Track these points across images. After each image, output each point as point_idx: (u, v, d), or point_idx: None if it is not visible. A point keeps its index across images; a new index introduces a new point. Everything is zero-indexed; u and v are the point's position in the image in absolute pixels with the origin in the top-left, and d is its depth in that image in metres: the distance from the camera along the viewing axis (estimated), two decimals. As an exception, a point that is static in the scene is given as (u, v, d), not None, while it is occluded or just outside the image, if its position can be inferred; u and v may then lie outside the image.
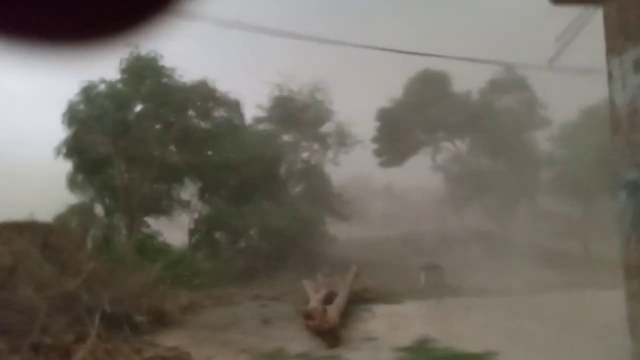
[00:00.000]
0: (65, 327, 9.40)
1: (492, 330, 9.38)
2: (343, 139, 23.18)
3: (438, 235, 28.52)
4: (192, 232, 21.67)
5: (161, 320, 11.50)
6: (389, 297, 13.10)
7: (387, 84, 26.15)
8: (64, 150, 20.64)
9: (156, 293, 13.02)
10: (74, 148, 20.65)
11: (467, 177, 27.05)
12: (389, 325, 10.61)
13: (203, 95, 21.61)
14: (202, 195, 22.72)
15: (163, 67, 20.94)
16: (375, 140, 27.17)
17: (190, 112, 22.12)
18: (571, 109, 26.33)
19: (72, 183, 21.17)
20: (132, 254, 16.77)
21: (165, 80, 21.11)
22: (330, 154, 23.25)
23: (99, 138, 20.56)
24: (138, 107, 21.47)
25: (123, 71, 20.81)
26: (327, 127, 23.23)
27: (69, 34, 0.72)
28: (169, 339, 10.07)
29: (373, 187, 35.58)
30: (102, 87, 20.63)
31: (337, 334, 9.42)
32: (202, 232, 21.28)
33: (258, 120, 23.14)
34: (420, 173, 29.54)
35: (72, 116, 20.50)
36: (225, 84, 21.43)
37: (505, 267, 20.38)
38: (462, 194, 28.04)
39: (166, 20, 0.73)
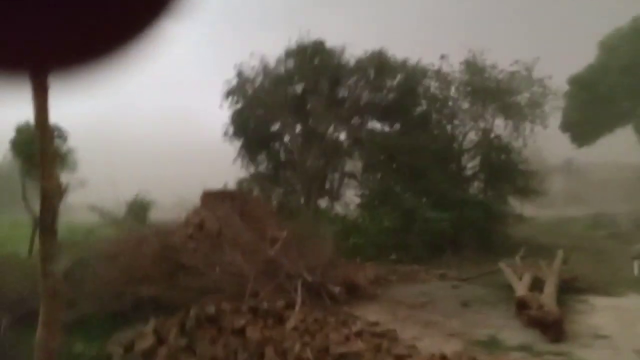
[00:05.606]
0: (272, 294, 9.71)
1: None
2: (533, 110, 20.62)
3: (636, 217, 24.74)
4: (361, 206, 21.56)
5: (353, 292, 11.39)
6: (605, 289, 11.32)
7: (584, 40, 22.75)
8: (231, 129, 21.90)
9: (345, 264, 13.03)
10: (242, 125, 21.81)
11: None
12: (620, 321, 9.04)
13: (376, 66, 21.10)
14: (370, 170, 22.49)
15: (329, 49, 21.05)
16: (565, 112, 23.98)
17: (362, 85, 21.81)
18: None
19: (245, 157, 22.38)
20: (313, 222, 17.20)
21: (334, 60, 21.18)
22: (513, 126, 20.92)
23: (271, 114, 21.39)
24: (305, 84, 21.79)
25: (290, 52, 21.39)
26: (518, 98, 20.77)
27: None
28: (368, 313, 9.83)
29: (551, 161, 32.02)
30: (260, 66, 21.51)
31: (562, 328, 8.23)
32: (372, 206, 20.99)
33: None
34: (613, 148, 25.62)
35: (239, 94, 21.68)
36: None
37: None
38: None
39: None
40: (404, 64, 20.87)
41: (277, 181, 22.04)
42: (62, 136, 17.84)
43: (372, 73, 21.06)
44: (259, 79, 21.96)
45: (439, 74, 20.77)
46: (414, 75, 20.81)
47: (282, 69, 21.67)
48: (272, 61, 21.82)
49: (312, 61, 21.29)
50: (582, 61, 24.21)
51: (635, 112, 23.17)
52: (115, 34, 0.67)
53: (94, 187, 19.10)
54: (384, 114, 21.73)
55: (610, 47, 22.87)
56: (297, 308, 8.93)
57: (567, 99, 23.68)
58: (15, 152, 17.39)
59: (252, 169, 22.49)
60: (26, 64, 0.68)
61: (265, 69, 21.83)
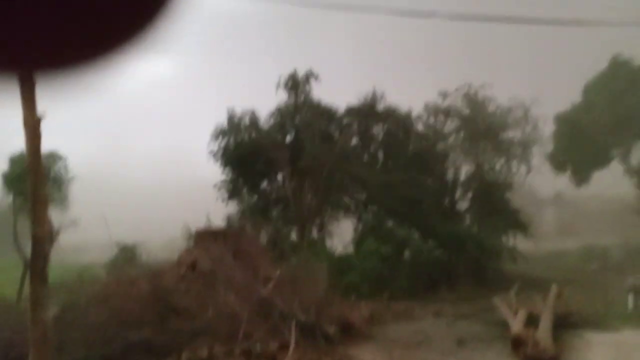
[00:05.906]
0: (265, 335, 9.58)
1: None
2: (526, 148, 21.03)
3: (627, 249, 24.85)
4: (355, 242, 21.55)
5: (348, 332, 11.24)
6: (600, 323, 11.28)
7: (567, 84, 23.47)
8: (221, 160, 21.86)
9: (340, 302, 12.89)
10: (236, 160, 21.85)
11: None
12: (615, 358, 8.99)
13: (364, 112, 21.58)
14: (364, 206, 22.64)
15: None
16: (553, 150, 24.54)
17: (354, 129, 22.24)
18: None
19: (231, 192, 22.33)
20: (306, 260, 17.07)
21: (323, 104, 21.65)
22: (503, 161, 21.29)
23: (269, 151, 21.50)
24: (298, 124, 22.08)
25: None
26: (508, 135, 21.25)
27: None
28: (363, 353, 9.71)
29: (541, 194, 32.30)
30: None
31: (558, 365, 8.17)
32: (365, 240, 20.96)
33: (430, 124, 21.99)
34: (603, 179, 25.95)
35: (229, 135, 21.84)
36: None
37: None
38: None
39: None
40: (394, 111, 21.27)
41: (268, 218, 21.97)
42: (63, 163, 17.58)
43: (362, 122, 21.55)
44: (250, 125, 22.13)
45: (437, 109, 21.14)
46: (405, 120, 21.25)
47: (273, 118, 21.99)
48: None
49: (303, 107, 21.67)
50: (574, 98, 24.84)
51: (617, 148, 23.74)
52: (104, 39, 0.68)
53: (86, 227, 18.92)
54: (375, 154, 22.09)
55: (591, 88, 23.63)
56: (290, 350, 8.81)
57: (553, 138, 24.30)
58: (8, 187, 17.13)
59: (241, 204, 22.38)
60: (16, 64, 0.68)
61: (252, 119, 22.04)
